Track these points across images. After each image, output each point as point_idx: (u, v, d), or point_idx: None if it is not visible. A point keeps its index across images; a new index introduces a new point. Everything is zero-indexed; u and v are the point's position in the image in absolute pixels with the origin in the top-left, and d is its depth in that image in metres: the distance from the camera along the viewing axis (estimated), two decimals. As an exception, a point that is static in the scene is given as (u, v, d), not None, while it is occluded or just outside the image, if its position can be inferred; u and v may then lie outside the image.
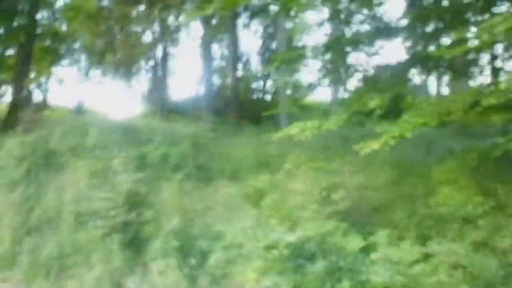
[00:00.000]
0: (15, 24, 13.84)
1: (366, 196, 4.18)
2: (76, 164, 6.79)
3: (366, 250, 3.50)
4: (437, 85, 16.33)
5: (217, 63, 23.28)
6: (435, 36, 5.70)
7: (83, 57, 23.23)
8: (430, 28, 5.90)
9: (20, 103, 12.44)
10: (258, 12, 17.50)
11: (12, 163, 7.32)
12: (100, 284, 3.85)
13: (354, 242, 3.50)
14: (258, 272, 3.23)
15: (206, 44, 19.38)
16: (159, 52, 23.40)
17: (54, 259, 4.25)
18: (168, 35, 20.93)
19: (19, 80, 13.11)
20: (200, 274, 3.80)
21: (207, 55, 21.48)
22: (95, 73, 25.18)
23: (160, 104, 22.59)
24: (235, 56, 23.62)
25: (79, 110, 17.98)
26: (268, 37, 24.16)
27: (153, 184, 5.60)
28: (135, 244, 4.21)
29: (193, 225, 4.34)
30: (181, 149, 7.62)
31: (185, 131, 8.69)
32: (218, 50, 23.94)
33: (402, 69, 5.17)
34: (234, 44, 20.25)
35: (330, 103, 18.83)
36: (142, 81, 25.29)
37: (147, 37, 21.38)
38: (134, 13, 18.58)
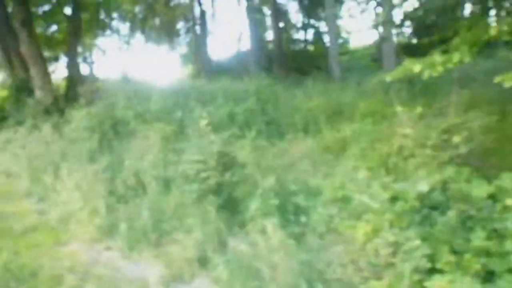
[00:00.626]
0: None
1: (487, 138, 3.75)
2: (146, 130, 6.74)
3: (495, 196, 3.13)
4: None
5: (258, 16, 22.53)
6: None
7: (124, 26, 23.18)
8: None
9: (75, 77, 12.61)
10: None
11: (83, 134, 7.39)
12: (202, 246, 3.76)
13: (481, 188, 3.13)
14: (377, 226, 2.97)
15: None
16: (197, 12, 22.89)
17: (150, 226, 4.21)
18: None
19: (72, 54, 13.24)
20: (306, 231, 3.59)
21: (249, 10, 20.75)
22: (137, 40, 25.15)
23: (203, 64, 22.36)
24: (276, 8, 22.67)
25: (126, 79, 18.09)
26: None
27: (230, 143, 5.40)
28: (230, 205, 4.07)
29: (285, 182, 4.10)
30: (247, 106, 7.37)
31: (245, 88, 8.40)
32: (257, 2, 23.07)
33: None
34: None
35: (380, 47, 17.65)
36: (183, 43, 25.03)
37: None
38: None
